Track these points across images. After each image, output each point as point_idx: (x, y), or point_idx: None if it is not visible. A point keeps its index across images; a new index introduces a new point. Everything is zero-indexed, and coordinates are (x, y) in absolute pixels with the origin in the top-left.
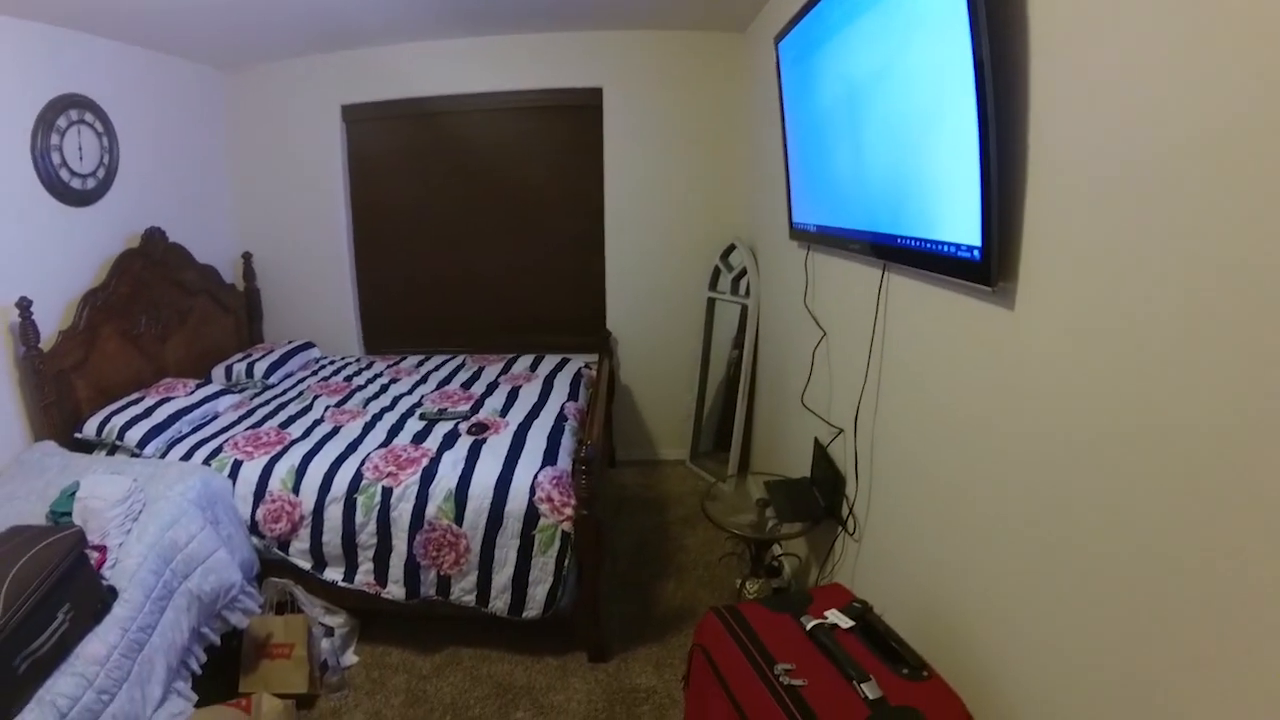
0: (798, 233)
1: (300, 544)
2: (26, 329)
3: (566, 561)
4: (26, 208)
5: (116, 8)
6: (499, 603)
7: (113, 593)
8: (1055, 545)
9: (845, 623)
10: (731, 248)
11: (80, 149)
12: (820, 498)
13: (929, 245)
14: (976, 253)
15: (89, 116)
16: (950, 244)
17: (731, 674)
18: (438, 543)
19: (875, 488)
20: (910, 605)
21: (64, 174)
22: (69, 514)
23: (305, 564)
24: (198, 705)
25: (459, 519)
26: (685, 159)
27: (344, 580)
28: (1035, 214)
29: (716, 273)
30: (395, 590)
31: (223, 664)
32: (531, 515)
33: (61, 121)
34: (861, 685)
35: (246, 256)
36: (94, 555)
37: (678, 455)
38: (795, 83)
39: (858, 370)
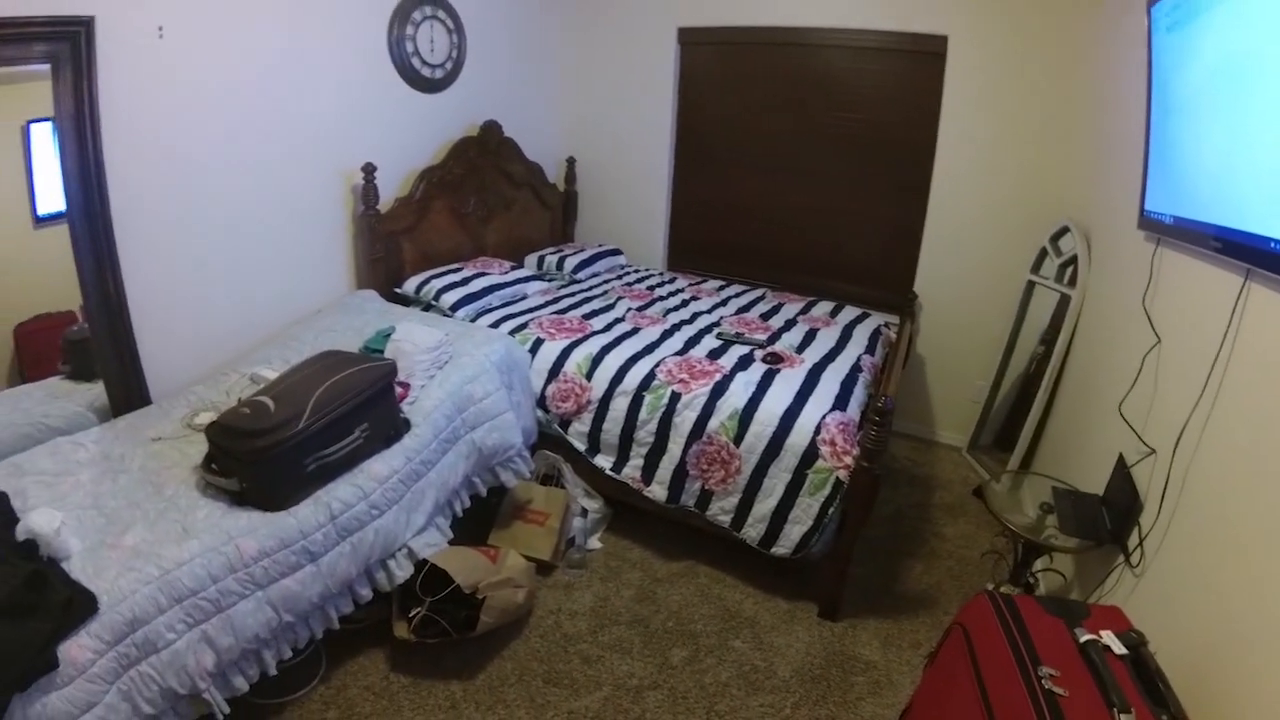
0: (1149, 222)
1: (580, 426)
2: (368, 191)
3: (831, 509)
4: (380, 88)
5: None
6: (752, 531)
7: (407, 425)
8: None
9: (1118, 648)
10: (1064, 230)
11: (432, 42)
12: (1108, 520)
13: None
14: None
15: (441, 14)
16: None
17: (989, 663)
18: (711, 457)
19: (1178, 523)
20: (1183, 658)
21: (415, 63)
22: (381, 351)
23: (580, 445)
24: (451, 543)
25: (738, 439)
26: (1027, 125)
27: (612, 469)
28: None
29: (1042, 255)
30: (658, 491)
31: (480, 514)
32: (810, 454)
33: (417, 15)
34: (1121, 715)
35: (570, 161)
36: (398, 389)
37: (955, 441)
38: (1167, 52)
39: (1191, 390)
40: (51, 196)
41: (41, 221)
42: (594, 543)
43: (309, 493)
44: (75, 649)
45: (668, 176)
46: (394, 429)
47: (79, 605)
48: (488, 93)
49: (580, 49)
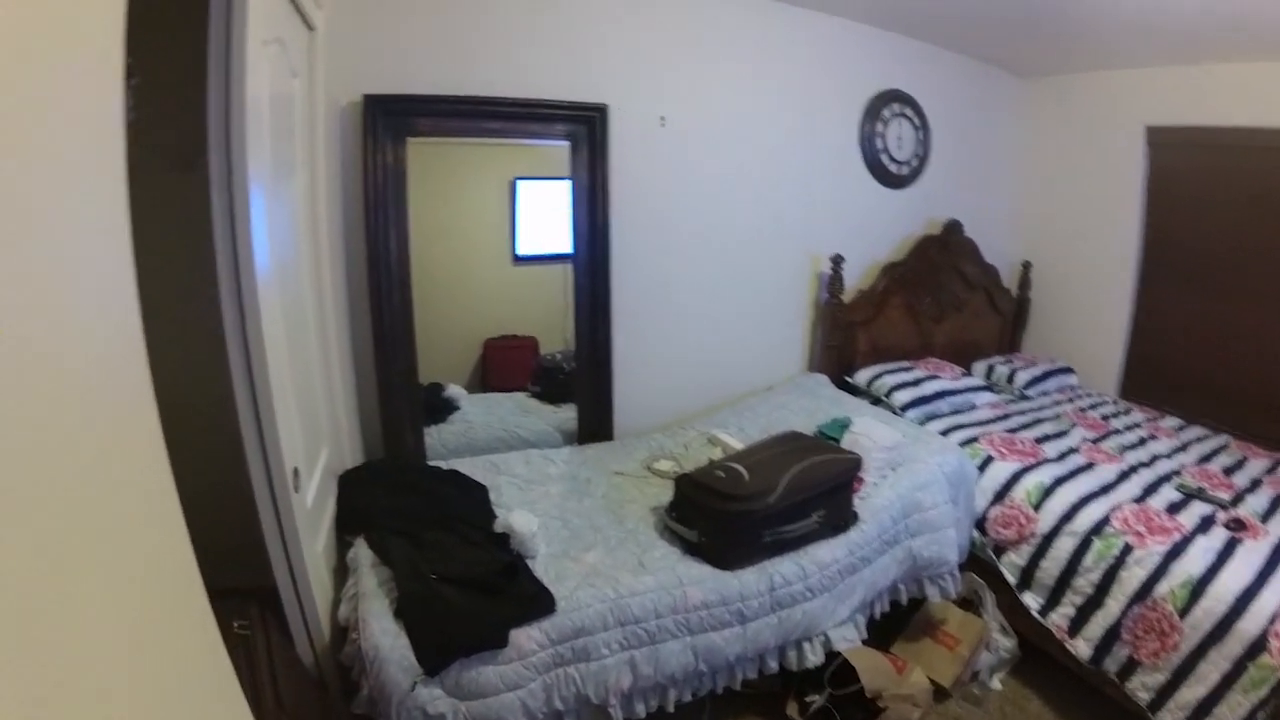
0: None
1: (1016, 558)
2: (834, 281)
3: (1260, 715)
4: (850, 182)
5: (934, 13)
6: (1169, 717)
7: (855, 518)
8: None
9: None
10: None
11: (899, 139)
12: None
13: None
14: None
15: (908, 111)
16: None
17: None
18: (1149, 625)
19: None
20: None
21: (884, 158)
22: (837, 439)
23: (1011, 578)
24: (864, 642)
25: (1184, 612)
26: None
27: (1038, 611)
28: None
29: None
30: (1081, 648)
31: (890, 620)
32: (1258, 645)
33: (886, 112)
34: None
35: (1026, 265)
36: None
37: None
38: None
39: None
40: (528, 242)
41: (519, 260)
42: (995, 682)
43: (757, 561)
44: (524, 637)
45: (1131, 291)
46: (844, 520)
47: (540, 602)
48: (948, 190)
49: (1041, 147)
